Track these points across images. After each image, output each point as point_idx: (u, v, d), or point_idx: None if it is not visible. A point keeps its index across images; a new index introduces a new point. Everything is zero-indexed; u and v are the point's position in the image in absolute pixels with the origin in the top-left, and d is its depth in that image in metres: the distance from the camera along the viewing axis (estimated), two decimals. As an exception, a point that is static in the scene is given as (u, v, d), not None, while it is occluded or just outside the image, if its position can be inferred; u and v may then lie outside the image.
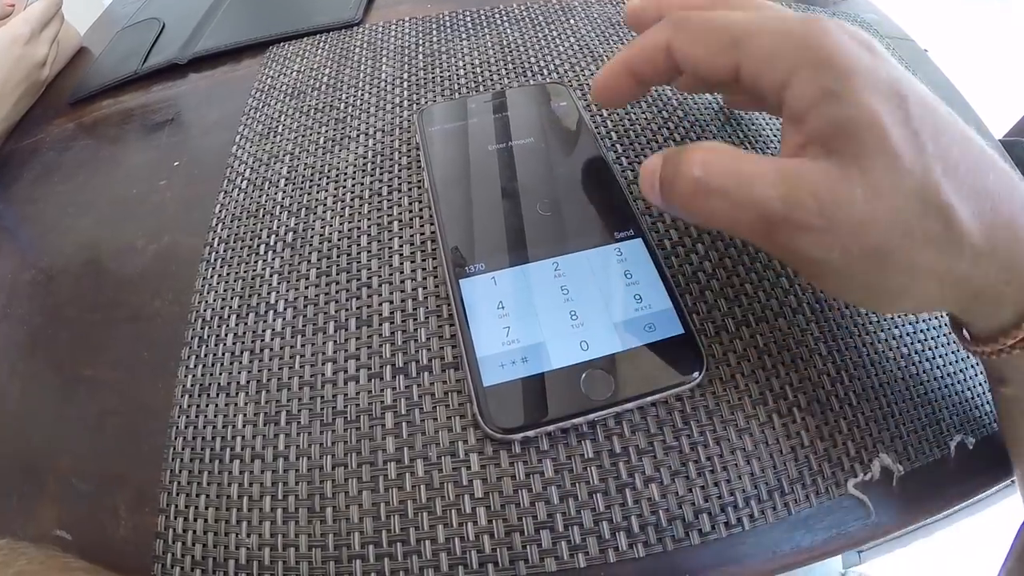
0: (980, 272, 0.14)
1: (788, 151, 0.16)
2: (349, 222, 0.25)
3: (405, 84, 0.31)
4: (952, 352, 0.21)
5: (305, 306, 0.22)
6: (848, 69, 0.14)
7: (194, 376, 0.22)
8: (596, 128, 0.27)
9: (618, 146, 0.27)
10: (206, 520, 0.19)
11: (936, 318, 0.22)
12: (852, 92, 0.14)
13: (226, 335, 0.22)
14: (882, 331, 0.21)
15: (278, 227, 0.25)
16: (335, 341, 0.21)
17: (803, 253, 0.15)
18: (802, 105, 0.15)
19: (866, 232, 0.14)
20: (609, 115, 0.28)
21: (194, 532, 0.19)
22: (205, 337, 0.22)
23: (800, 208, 0.14)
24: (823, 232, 0.14)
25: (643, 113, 0.28)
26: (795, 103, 0.15)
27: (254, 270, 0.24)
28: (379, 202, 0.25)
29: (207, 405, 0.21)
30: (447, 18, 0.35)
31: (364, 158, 0.27)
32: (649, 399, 0.18)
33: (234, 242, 0.25)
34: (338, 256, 0.24)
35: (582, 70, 0.31)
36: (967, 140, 0.15)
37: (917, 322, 0.21)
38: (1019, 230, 0.14)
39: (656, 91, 0.29)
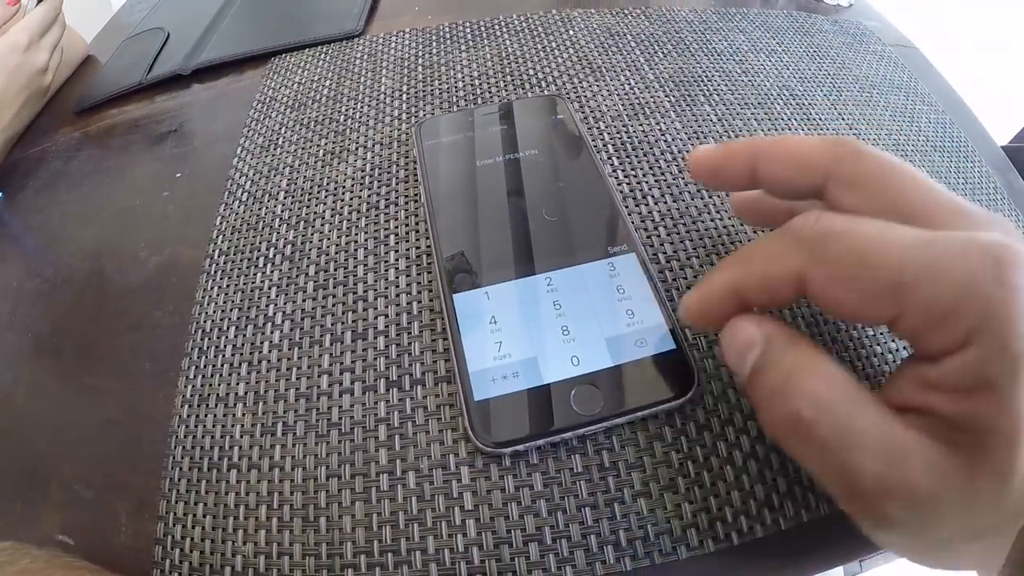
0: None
1: (899, 400, 0.14)
2: (347, 235, 0.25)
3: (404, 96, 0.31)
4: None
5: (302, 319, 0.23)
6: (1022, 358, 0.12)
7: (194, 387, 0.22)
8: (592, 141, 0.27)
9: (615, 158, 0.27)
10: (203, 528, 0.19)
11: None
12: (1014, 395, 0.12)
13: (225, 347, 0.23)
14: (878, 344, 0.21)
15: (277, 240, 0.26)
16: (331, 354, 0.22)
17: (865, 526, 0.14)
18: (951, 383, 0.13)
19: (937, 531, 0.13)
20: (606, 127, 0.28)
21: (192, 539, 0.19)
22: (205, 348, 0.23)
23: (890, 498, 0.13)
24: (894, 522, 0.13)
25: (640, 125, 0.28)
26: (944, 377, 0.13)
27: (253, 282, 0.24)
28: (376, 216, 0.26)
29: (206, 415, 0.21)
30: (447, 29, 0.35)
31: (363, 171, 0.28)
32: (639, 415, 0.18)
33: (234, 254, 0.25)
34: (335, 269, 0.24)
35: (580, 82, 0.31)
36: None
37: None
38: None
39: (653, 101, 0.30)
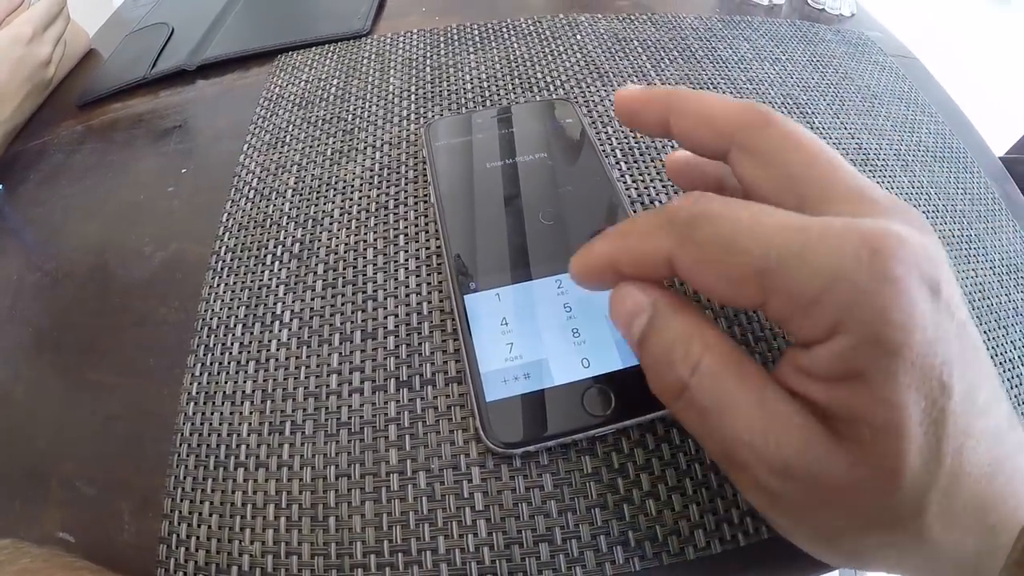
0: (933, 573, 0.14)
1: (785, 378, 0.14)
2: (355, 235, 0.25)
3: (412, 97, 0.31)
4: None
5: (311, 317, 0.23)
6: (897, 349, 0.11)
7: (199, 384, 0.22)
8: (601, 145, 0.28)
9: (622, 163, 0.27)
10: (210, 526, 0.19)
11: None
12: (887, 386, 0.11)
13: (232, 344, 0.23)
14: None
15: (285, 238, 0.25)
16: (340, 353, 0.22)
17: (753, 502, 0.14)
18: (820, 372, 0.13)
19: (821, 516, 0.13)
20: (614, 132, 0.28)
21: (197, 538, 0.19)
22: (211, 346, 0.23)
23: (766, 469, 0.13)
24: (779, 498, 0.13)
25: (646, 130, 0.28)
26: (812, 365, 0.13)
27: (260, 280, 0.24)
28: (385, 215, 0.26)
29: (212, 413, 0.21)
30: (455, 31, 0.35)
31: (371, 171, 0.28)
32: (648, 417, 0.19)
33: (241, 252, 0.25)
34: (344, 268, 0.24)
35: (588, 86, 0.31)
36: (992, 435, 0.12)
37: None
38: (990, 545, 0.13)
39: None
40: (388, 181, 0.27)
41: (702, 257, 0.13)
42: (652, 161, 0.27)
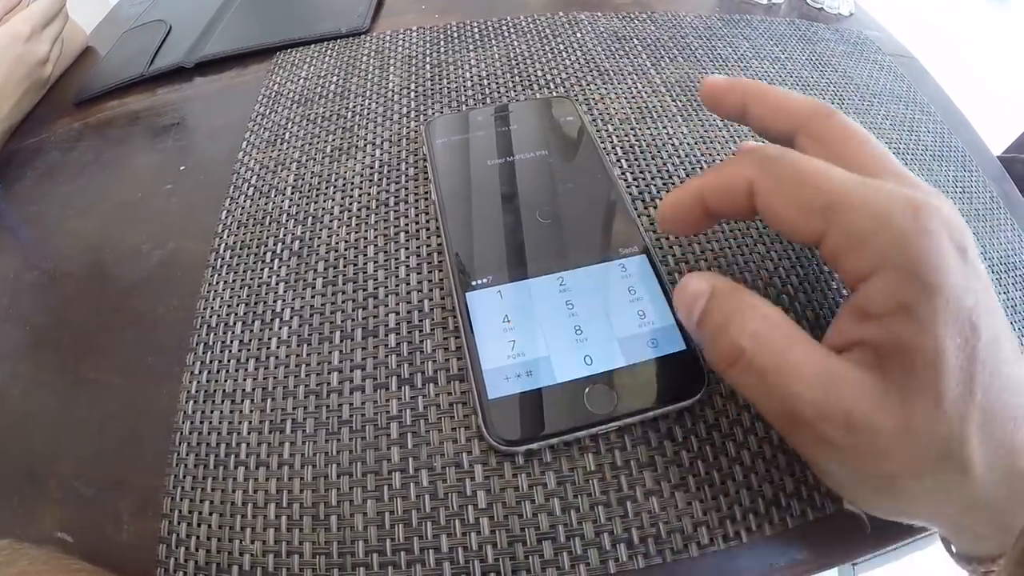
0: (970, 519, 0.15)
1: (839, 340, 0.15)
2: (356, 232, 0.25)
3: (412, 94, 0.31)
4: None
5: (311, 315, 0.23)
6: (935, 288, 0.13)
7: (199, 383, 0.22)
8: (601, 143, 0.28)
9: (623, 161, 0.27)
10: (210, 526, 0.19)
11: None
12: (929, 318, 0.13)
13: (231, 342, 0.22)
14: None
15: (284, 235, 0.25)
16: (341, 351, 0.22)
17: (814, 458, 0.16)
18: (875, 308, 0.14)
19: (881, 463, 0.14)
20: (615, 130, 0.28)
21: (197, 538, 0.19)
22: (210, 344, 0.23)
23: (828, 422, 0.14)
24: (841, 451, 0.14)
25: (647, 129, 0.28)
26: (868, 302, 0.15)
27: (260, 278, 0.24)
28: (386, 213, 0.25)
29: (212, 412, 0.21)
30: (454, 29, 0.35)
31: (371, 168, 0.27)
32: (651, 414, 0.19)
33: (240, 249, 0.25)
34: (344, 266, 0.24)
35: (588, 84, 0.31)
36: (1018, 384, 0.14)
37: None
38: (1019, 492, 0.14)
39: (660, 106, 0.30)
40: (388, 178, 0.27)
41: (778, 188, 0.16)
42: (652, 158, 0.27)
